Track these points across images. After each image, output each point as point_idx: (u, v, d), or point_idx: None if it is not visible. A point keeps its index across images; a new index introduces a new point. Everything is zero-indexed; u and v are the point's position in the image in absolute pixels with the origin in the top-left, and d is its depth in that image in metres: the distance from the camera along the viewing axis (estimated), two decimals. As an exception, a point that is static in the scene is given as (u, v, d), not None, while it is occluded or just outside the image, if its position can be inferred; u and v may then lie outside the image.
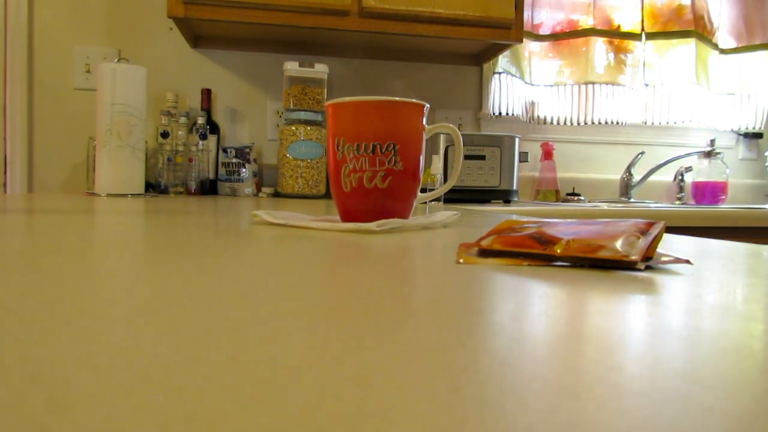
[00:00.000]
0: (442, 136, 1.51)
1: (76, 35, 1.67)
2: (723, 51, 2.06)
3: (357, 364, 0.14)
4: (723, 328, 0.19)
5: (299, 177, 1.53)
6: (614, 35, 1.97)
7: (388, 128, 0.55)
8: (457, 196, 1.53)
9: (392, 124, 0.55)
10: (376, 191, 0.55)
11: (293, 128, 1.53)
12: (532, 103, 1.96)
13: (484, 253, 0.36)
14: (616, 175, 2.05)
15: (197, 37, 1.73)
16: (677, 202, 2.06)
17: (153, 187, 1.56)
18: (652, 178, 2.03)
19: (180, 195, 1.50)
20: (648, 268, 0.32)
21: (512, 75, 1.91)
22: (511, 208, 1.41)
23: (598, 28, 1.94)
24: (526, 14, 1.89)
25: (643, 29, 1.99)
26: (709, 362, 0.15)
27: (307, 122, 1.54)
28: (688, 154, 2.02)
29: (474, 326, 0.18)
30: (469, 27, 1.56)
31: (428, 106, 0.58)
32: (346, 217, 0.57)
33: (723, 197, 2.01)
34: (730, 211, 1.47)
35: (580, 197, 1.93)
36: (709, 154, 2.04)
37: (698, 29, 1.99)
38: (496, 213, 1.02)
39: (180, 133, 1.52)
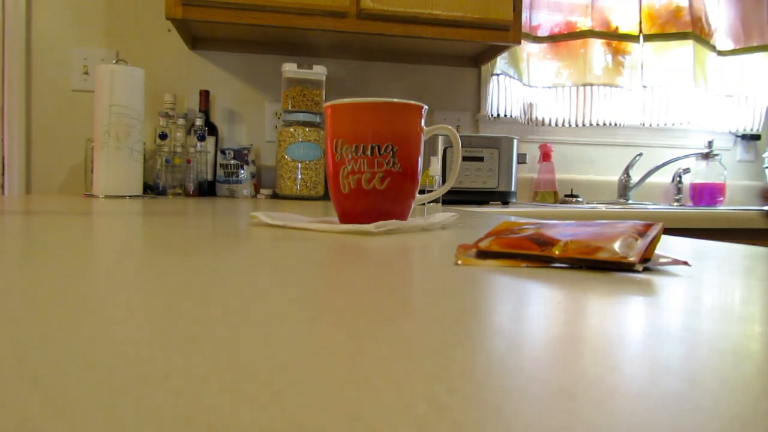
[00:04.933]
0: (440, 138, 1.51)
1: (74, 37, 1.67)
2: (721, 53, 2.07)
3: (355, 366, 0.14)
4: (721, 329, 0.19)
5: (297, 178, 1.53)
6: (612, 37, 1.97)
7: (387, 130, 0.55)
8: (455, 198, 1.53)
9: (391, 125, 0.55)
10: (375, 193, 0.55)
11: (291, 130, 1.53)
12: (531, 105, 1.96)
13: (483, 254, 0.36)
14: (615, 177, 2.05)
15: (195, 38, 1.73)
16: (675, 203, 2.06)
17: (151, 188, 1.56)
18: (650, 179, 2.03)
19: (178, 196, 1.49)
20: (646, 269, 0.32)
21: (510, 76, 1.91)
22: (509, 210, 1.41)
23: (596, 29, 1.94)
24: (525, 16, 1.90)
25: (641, 31, 1.99)
26: (707, 364, 0.15)
27: (305, 124, 1.54)
28: (686, 156, 2.03)
29: (472, 327, 0.18)
30: (467, 29, 1.56)
31: (426, 107, 0.58)
32: (345, 218, 0.57)
33: (721, 199, 2.02)
34: (727, 212, 1.47)
35: (578, 198, 1.93)
36: (707, 156, 2.04)
37: (696, 31, 1.99)
38: (494, 214, 1.02)
39: (178, 134, 1.52)
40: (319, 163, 1.54)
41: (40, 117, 1.66)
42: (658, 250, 0.35)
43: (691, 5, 1.99)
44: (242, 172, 1.59)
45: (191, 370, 0.13)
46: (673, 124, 2.03)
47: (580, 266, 0.32)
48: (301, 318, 0.19)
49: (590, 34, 1.94)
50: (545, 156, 1.94)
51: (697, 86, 2.00)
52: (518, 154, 1.62)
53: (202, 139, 1.55)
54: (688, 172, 2.05)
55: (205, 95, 1.66)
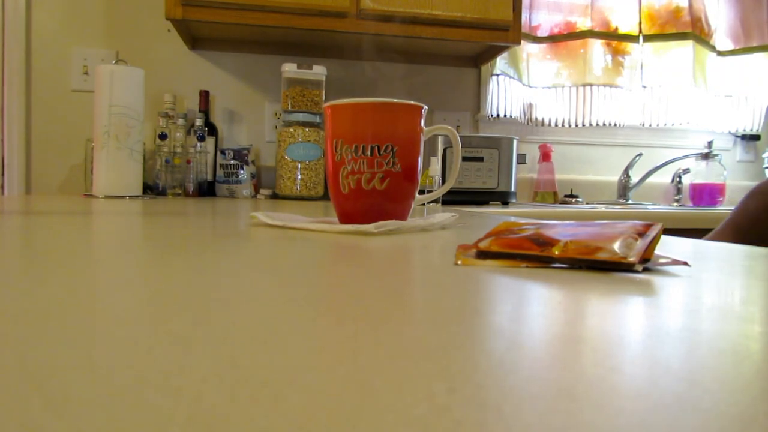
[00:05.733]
0: (440, 138, 1.51)
1: (74, 37, 1.67)
2: (720, 53, 2.07)
3: (355, 366, 0.14)
4: (721, 329, 0.19)
5: (297, 179, 1.53)
6: (612, 37, 1.97)
7: (387, 130, 0.55)
8: (455, 198, 1.53)
9: (390, 125, 0.55)
10: (375, 193, 0.55)
11: (291, 130, 1.52)
12: (530, 105, 1.96)
13: (482, 254, 0.36)
14: (614, 177, 2.05)
15: (195, 38, 1.73)
16: (675, 203, 2.06)
17: (151, 188, 1.56)
18: (650, 179, 2.03)
19: (178, 197, 1.49)
20: (646, 269, 0.32)
21: (510, 77, 1.91)
22: (509, 210, 1.41)
23: (596, 30, 1.95)
24: (524, 16, 1.90)
25: (640, 31, 1.99)
26: (707, 364, 0.15)
27: (305, 124, 1.54)
28: (686, 156, 2.03)
29: (472, 328, 0.18)
30: (467, 29, 1.56)
31: (426, 107, 0.58)
32: (345, 218, 0.57)
33: (721, 199, 2.02)
34: (727, 213, 1.47)
35: (578, 199, 1.93)
36: (706, 156, 2.04)
37: (696, 31, 1.99)
38: (494, 215, 1.02)
39: (178, 134, 1.52)
40: (319, 163, 1.54)
41: (40, 117, 1.66)
42: (657, 251, 0.35)
43: (690, 5, 1.99)
44: (242, 172, 1.59)
45: (191, 370, 0.13)
46: (672, 125, 2.03)
47: (580, 266, 0.32)
48: (301, 318, 0.19)
49: (590, 34, 1.94)
50: (545, 156, 1.94)
51: (697, 86, 2.00)
52: (518, 155, 1.62)
53: (201, 139, 1.55)
54: (688, 172, 2.05)
55: (204, 95, 1.66)
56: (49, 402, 0.11)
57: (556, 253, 0.33)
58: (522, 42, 1.73)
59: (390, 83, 1.88)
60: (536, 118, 1.96)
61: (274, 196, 1.63)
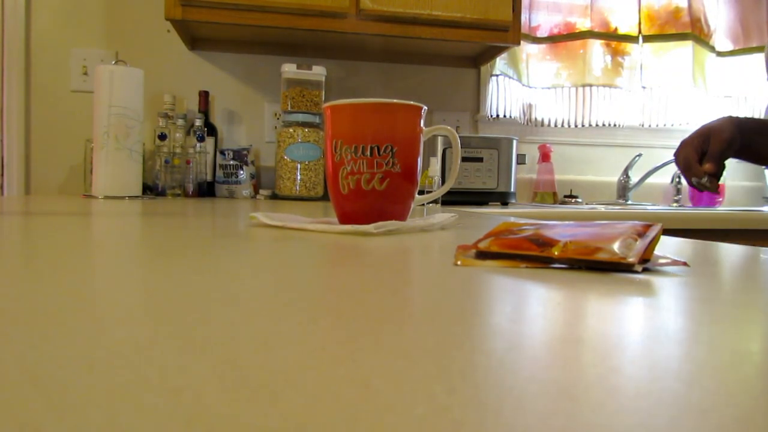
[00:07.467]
0: (439, 138, 1.51)
1: (74, 37, 1.67)
2: (720, 53, 2.07)
3: (354, 366, 0.14)
4: (720, 330, 0.19)
5: (297, 179, 1.53)
6: (611, 38, 1.97)
7: (386, 130, 0.55)
8: (454, 198, 1.53)
9: (390, 126, 0.55)
10: (374, 193, 0.55)
11: (291, 130, 1.52)
12: (530, 106, 1.96)
13: (482, 255, 0.36)
14: (614, 177, 2.05)
15: (195, 39, 1.73)
16: (674, 204, 2.06)
17: (150, 189, 1.56)
18: (650, 180, 2.03)
19: (177, 197, 1.49)
20: (645, 270, 0.32)
21: (510, 77, 1.91)
22: (508, 210, 1.41)
23: (596, 30, 1.95)
24: (524, 17, 1.90)
25: (640, 32, 1.99)
26: (707, 364, 0.15)
27: (304, 124, 1.54)
28: (685, 157, 2.02)
29: (471, 328, 0.18)
30: (466, 29, 1.56)
31: (426, 108, 0.58)
32: (344, 219, 0.57)
33: (720, 199, 2.02)
34: (727, 213, 1.47)
35: (577, 199, 1.93)
36: (706, 156, 2.04)
37: (695, 32, 2.00)
38: (493, 215, 1.02)
39: (177, 135, 1.52)
40: (319, 163, 1.54)
41: (39, 117, 1.65)
42: (657, 251, 0.35)
43: (690, 6, 1.99)
44: (241, 172, 1.59)
45: (191, 371, 0.13)
46: (672, 125, 2.03)
47: (580, 267, 0.32)
48: (300, 318, 0.19)
49: (589, 34, 1.94)
50: (544, 156, 1.94)
51: (696, 87, 2.00)
52: (517, 155, 1.62)
53: (201, 139, 1.55)
54: (688, 172, 2.05)
55: (204, 96, 1.66)
56: (49, 402, 0.11)
57: (556, 253, 0.33)
58: (521, 42, 1.73)
59: (389, 83, 1.88)
60: (536, 119, 1.96)
61: (274, 197, 1.63)
